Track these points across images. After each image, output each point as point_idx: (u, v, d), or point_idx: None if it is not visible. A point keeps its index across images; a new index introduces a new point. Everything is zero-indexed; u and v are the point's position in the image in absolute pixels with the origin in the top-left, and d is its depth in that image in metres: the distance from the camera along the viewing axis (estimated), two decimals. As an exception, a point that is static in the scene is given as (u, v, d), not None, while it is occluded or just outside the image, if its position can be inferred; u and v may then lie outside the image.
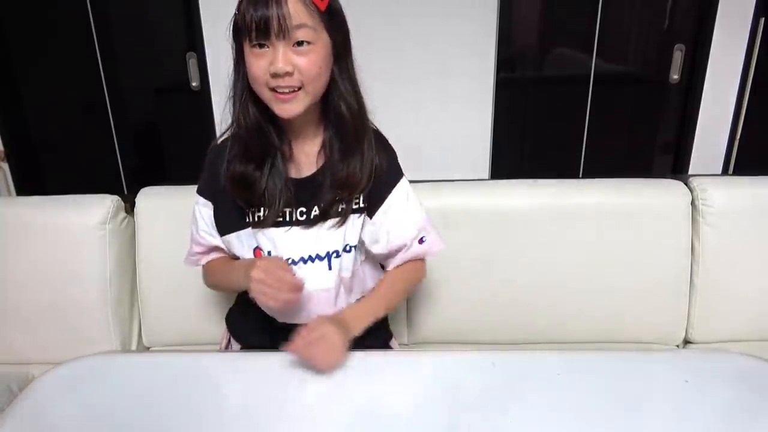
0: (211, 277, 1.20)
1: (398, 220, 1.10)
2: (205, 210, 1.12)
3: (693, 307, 1.45)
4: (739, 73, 2.45)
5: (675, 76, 2.54)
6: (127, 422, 0.88)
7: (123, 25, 2.57)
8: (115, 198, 1.43)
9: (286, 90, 0.95)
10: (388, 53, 2.39)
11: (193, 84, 2.53)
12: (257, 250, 1.09)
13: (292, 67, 0.93)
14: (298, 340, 0.97)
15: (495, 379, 0.95)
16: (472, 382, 0.95)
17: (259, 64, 0.94)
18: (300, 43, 0.93)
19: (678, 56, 2.51)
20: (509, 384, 0.94)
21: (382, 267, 1.19)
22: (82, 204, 1.43)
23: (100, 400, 0.93)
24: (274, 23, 0.90)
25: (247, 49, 0.95)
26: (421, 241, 1.13)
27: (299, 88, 0.96)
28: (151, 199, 1.46)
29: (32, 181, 2.73)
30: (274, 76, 0.93)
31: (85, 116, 2.69)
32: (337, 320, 1.02)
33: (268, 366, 1.02)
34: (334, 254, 1.08)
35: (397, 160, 1.12)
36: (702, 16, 2.43)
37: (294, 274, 0.98)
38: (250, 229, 1.08)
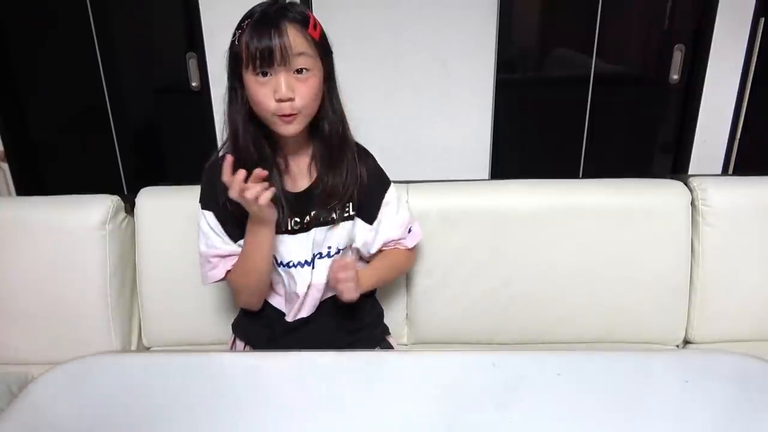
0: (241, 276, 1.18)
1: (389, 223, 1.23)
2: (213, 221, 1.17)
3: (693, 307, 1.45)
4: (739, 73, 2.45)
5: (675, 76, 2.53)
6: (126, 422, 0.88)
7: (123, 25, 2.56)
8: (115, 198, 1.44)
9: (288, 113, 1.04)
10: (388, 53, 2.38)
11: (193, 84, 2.53)
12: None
13: (293, 92, 1.02)
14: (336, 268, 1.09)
15: (495, 379, 0.96)
16: (472, 382, 0.95)
17: (263, 91, 1.02)
18: (299, 71, 1.02)
19: (678, 56, 2.51)
20: (509, 384, 0.94)
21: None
22: (82, 204, 1.43)
23: (100, 400, 0.93)
24: (277, 52, 0.99)
25: (249, 77, 1.03)
26: (408, 231, 1.27)
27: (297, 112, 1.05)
28: (151, 199, 1.46)
29: (32, 181, 2.73)
30: (279, 101, 1.02)
31: (85, 116, 2.68)
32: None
33: (267, 366, 1.02)
34: (317, 255, 1.17)
35: (379, 166, 1.23)
36: (702, 16, 2.42)
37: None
38: None
